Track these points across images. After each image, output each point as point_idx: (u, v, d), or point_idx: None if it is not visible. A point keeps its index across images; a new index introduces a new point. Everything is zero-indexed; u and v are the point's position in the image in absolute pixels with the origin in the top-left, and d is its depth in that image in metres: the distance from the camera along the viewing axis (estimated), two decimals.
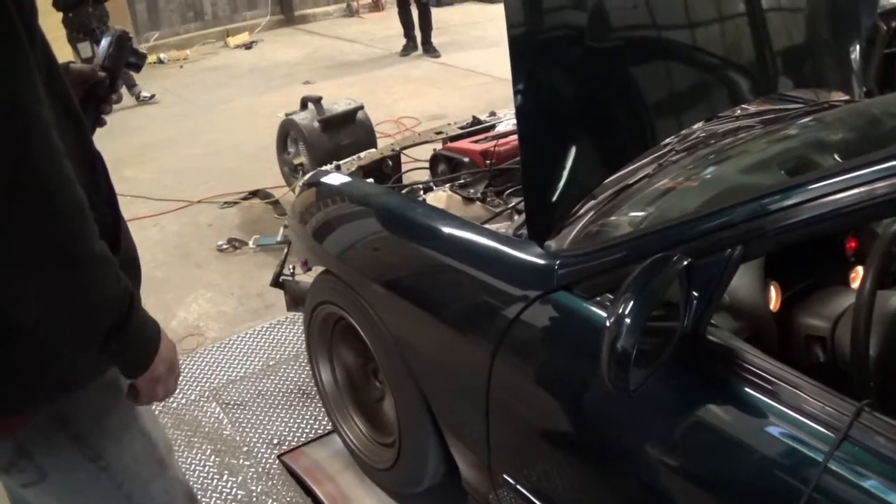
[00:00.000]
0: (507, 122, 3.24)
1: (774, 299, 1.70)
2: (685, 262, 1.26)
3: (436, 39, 8.46)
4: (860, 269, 1.90)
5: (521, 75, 1.65)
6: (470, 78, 7.52)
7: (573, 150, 1.75)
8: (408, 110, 6.49)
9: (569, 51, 1.74)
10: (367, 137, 4.70)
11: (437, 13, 8.57)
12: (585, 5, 1.72)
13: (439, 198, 2.31)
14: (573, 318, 1.55)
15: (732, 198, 1.73)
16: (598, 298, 1.52)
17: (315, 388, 2.97)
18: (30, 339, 1.14)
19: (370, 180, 2.60)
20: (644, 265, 1.26)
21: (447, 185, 2.44)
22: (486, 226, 1.97)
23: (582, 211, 1.84)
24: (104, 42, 1.53)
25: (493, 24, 9.70)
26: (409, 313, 1.96)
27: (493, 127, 3.23)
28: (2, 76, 0.97)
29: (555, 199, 1.73)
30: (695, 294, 1.35)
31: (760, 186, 1.88)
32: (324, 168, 2.90)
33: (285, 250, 2.91)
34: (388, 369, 2.13)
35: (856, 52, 2.64)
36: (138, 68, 1.59)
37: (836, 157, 2.03)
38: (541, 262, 1.64)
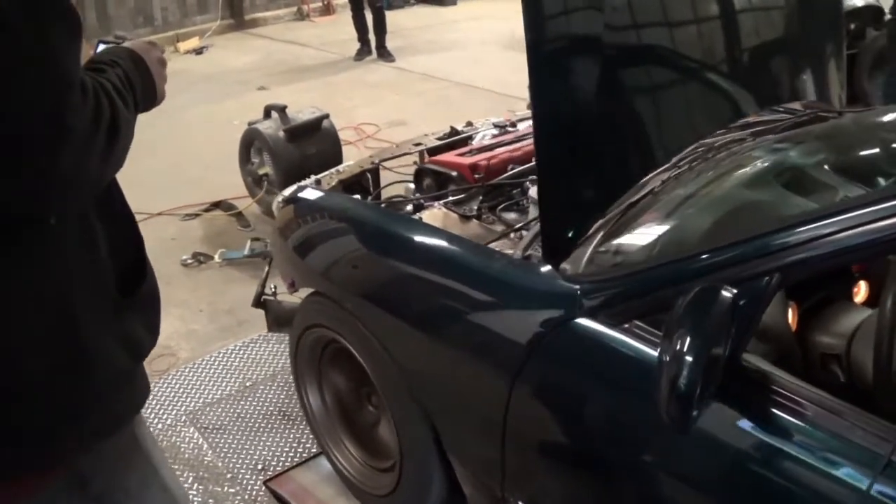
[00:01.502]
0: (486, 132, 3.19)
1: (793, 319, 1.69)
2: (734, 294, 1.23)
3: (389, 43, 8.38)
4: (863, 284, 1.91)
5: (540, 89, 1.61)
6: (428, 82, 7.46)
7: (592, 169, 1.71)
8: (367, 116, 6.41)
9: (587, 66, 1.71)
10: (333, 147, 4.61)
11: (388, 16, 8.47)
12: (603, 19, 1.69)
13: (435, 216, 2.26)
14: (600, 346, 1.51)
15: (749, 218, 1.72)
16: (626, 325, 1.49)
17: (297, 410, 2.90)
18: (45, 395, 1.06)
19: (356, 196, 2.53)
20: (690, 298, 1.22)
21: (440, 202, 2.38)
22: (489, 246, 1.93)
23: (592, 230, 1.81)
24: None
25: (446, 28, 9.66)
26: (417, 340, 1.90)
27: (471, 138, 3.17)
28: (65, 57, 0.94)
29: (572, 220, 1.69)
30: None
31: (762, 203, 1.90)
32: (304, 183, 2.82)
33: (266, 269, 2.81)
34: (390, 395, 2.06)
35: (835, 61, 2.67)
36: None
37: (826, 167, 2.05)
38: (562, 287, 1.60)
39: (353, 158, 4.85)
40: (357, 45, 8.40)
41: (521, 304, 1.66)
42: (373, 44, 8.37)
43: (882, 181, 2.04)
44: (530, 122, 3.19)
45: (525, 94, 6.74)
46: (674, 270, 1.42)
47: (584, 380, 1.56)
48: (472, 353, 1.76)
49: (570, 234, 1.69)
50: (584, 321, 1.53)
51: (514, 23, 9.88)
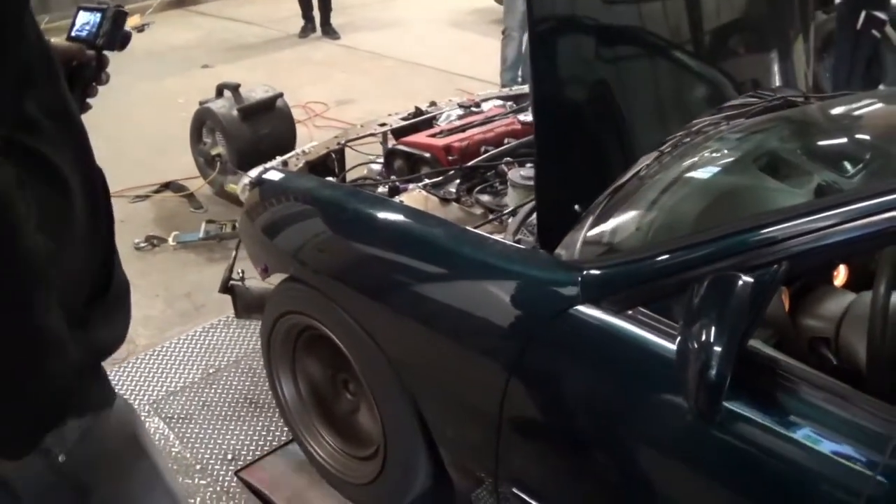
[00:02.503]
0: (450, 111, 3.15)
1: (786, 303, 1.70)
2: (752, 282, 1.22)
3: (332, 21, 8.24)
4: (842, 268, 1.93)
5: (539, 72, 1.58)
6: (374, 61, 7.36)
7: (590, 154, 1.69)
8: (314, 95, 6.29)
9: (588, 53, 1.69)
10: (287, 126, 4.53)
11: None
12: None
13: (416, 198, 2.22)
14: (603, 333, 1.50)
15: (736, 204, 1.72)
16: (630, 312, 1.48)
17: (263, 397, 2.85)
18: None
19: (330, 178, 2.48)
20: (707, 286, 1.22)
21: (417, 185, 2.34)
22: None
23: (582, 215, 1.79)
24: (92, 17, 1.35)
25: (388, 5, 9.54)
26: (406, 327, 1.86)
27: (435, 118, 3.12)
28: None
29: (568, 205, 1.67)
30: None
31: (746, 188, 1.91)
32: (270, 164, 2.75)
33: (234, 254, 2.73)
34: (375, 382, 2.02)
35: (803, 47, 2.70)
36: (124, 47, 1.43)
37: (798, 151, 2.07)
38: (562, 274, 1.58)
39: (302, 137, 4.78)
40: (301, 23, 8.25)
41: (520, 291, 1.64)
42: (317, 21, 8.22)
43: (850, 166, 2.05)
44: (495, 103, 3.18)
45: (471, 72, 6.71)
46: (681, 257, 1.41)
47: (585, 368, 1.55)
48: (467, 341, 1.73)
49: (567, 207, 1.66)
50: (585, 308, 1.51)
51: (454, 0, 9.68)
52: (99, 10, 1.32)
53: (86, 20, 1.32)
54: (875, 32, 4.53)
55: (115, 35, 1.32)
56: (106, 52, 1.36)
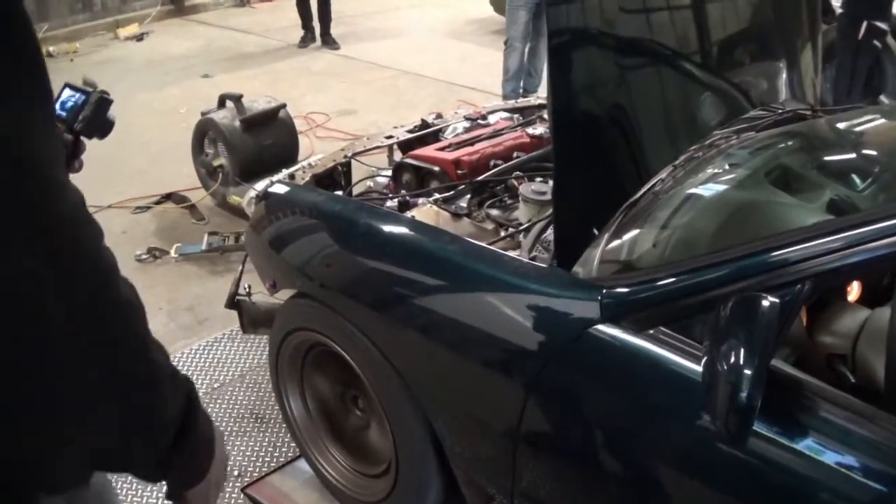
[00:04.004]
0: (458, 124, 3.14)
1: (805, 321, 1.69)
2: (778, 303, 1.21)
3: (332, 30, 8.24)
4: (856, 284, 1.92)
5: (561, 91, 1.57)
6: (374, 71, 7.36)
7: (606, 168, 1.69)
8: (315, 105, 6.28)
9: (604, 66, 1.68)
10: (289, 137, 4.51)
11: (332, 3, 8.33)
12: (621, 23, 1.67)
13: (427, 214, 2.20)
14: (625, 352, 1.48)
15: (751, 220, 1.71)
16: (651, 332, 1.46)
17: (269, 412, 2.83)
18: None
19: (338, 192, 2.46)
20: (733, 307, 1.21)
21: (427, 199, 2.33)
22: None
23: (599, 232, 1.78)
24: (76, 97, 1.30)
25: (389, 15, 9.55)
26: (420, 345, 1.85)
27: (441, 131, 3.11)
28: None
29: (586, 221, 1.66)
30: None
31: (761, 204, 1.91)
32: (276, 178, 2.73)
33: (240, 268, 2.71)
34: (388, 400, 2.00)
35: (810, 60, 2.70)
36: (104, 135, 1.37)
37: (809, 165, 2.07)
38: (581, 293, 1.56)
39: (304, 148, 4.76)
40: (300, 32, 8.24)
41: (539, 310, 1.63)
42: (317, 31, 8.21)
43: (859, 181, 2.05)
44: (501, 115, 3.17)
45: (472, 82, 6.69)
46: (704, 276, 1.40)
47: (606, 387, 1.53)
48: (483, 359, 1.72)
49: (585, 224, 1.66)
50: (605, 327, 1.50)
51: (456, 10, 9.71)
52: (84, 93, 1.29)
53: (69, 96, 1.29)
54: (876, 42, 4.54)
55: (95, 122, 1.29)
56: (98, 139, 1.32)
